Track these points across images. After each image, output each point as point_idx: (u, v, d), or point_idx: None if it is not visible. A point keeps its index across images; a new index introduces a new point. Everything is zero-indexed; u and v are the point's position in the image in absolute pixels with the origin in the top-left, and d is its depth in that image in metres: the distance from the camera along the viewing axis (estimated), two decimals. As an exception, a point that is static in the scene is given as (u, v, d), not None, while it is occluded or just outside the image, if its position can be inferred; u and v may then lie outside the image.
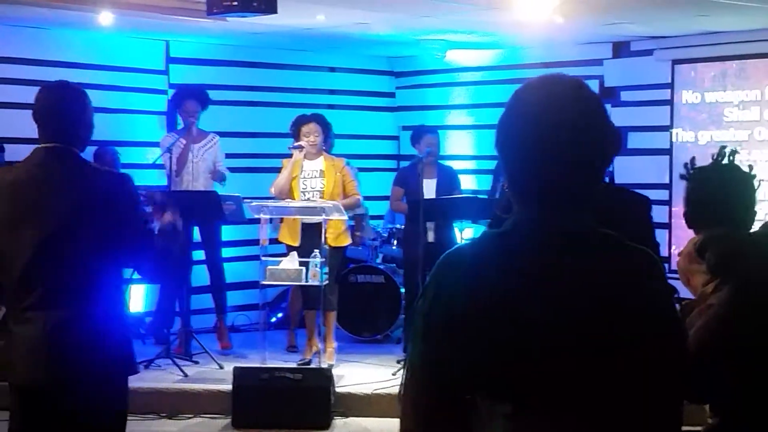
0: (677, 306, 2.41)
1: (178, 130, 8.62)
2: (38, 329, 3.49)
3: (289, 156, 8.11)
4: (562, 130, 1.94)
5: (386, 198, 10.45)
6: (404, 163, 11.08)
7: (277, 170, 8.27)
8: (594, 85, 9.47)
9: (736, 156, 3.18)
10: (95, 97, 8.84)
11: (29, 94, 8.58)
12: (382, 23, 8.56)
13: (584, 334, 1.91)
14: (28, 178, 3.60)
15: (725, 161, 3.17)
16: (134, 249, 3.63)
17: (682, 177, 3.23)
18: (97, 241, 3.54)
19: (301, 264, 7.54)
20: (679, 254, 3.17)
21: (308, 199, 7.89)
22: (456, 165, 9.57)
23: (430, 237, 8.45)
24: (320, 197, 7.87)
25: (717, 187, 3.15)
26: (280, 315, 9.67)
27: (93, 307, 3.54)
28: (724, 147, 3.21)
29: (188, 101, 8.58)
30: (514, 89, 2.02)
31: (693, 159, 3.24)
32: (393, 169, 11.27)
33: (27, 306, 3.52)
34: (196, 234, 8.58)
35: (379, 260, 9.65)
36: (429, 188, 8.58)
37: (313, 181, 8.01)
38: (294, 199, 7.91)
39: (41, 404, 3.53)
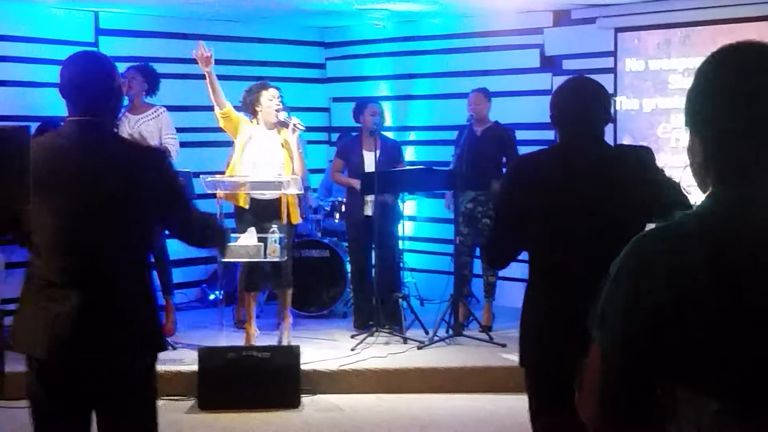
0: None
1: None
2: (66, 307, 3.35)
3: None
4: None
5: (319, 171, 10.33)
6: (335, 136, 10.94)
7: (209, 144, 7.98)
8: (534, 55, 9.47)
9: None
10: (24, 71, 8.71)
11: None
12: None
13: None
14: (57, 154, 3.41)
15: None
16: (179, 224, 3.59)
17: None
18: (130, 218, 3.42)
19: (259, 240, 7.33)
20: None
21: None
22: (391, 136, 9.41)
23: (369, 210, 8.29)
24: (282, 170, 7.57)
25: None
26: (219, 292, 9.42)
27: (124, 285, 3.43)
28: None
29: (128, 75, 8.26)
30: (703, 60, 1.93)
31: None
32: (324, 142, 11.13)
33: (55, 282, 3.37)
34: None
35: (320, 234, 9.49)
36: (371, 160, 8.40)
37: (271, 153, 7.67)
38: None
39: (66, 384, 3.41)
